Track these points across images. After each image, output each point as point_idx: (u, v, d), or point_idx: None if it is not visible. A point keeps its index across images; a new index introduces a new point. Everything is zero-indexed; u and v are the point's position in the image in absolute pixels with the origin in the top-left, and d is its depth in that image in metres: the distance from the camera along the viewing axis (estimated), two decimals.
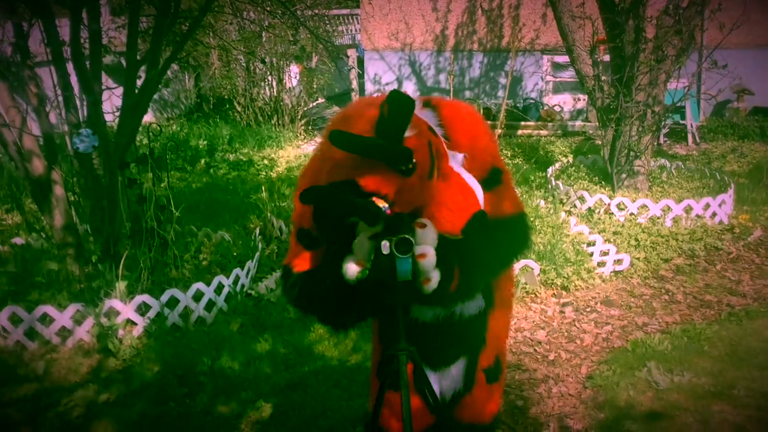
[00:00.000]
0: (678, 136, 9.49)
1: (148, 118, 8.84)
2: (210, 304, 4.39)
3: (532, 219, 5.47)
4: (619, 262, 5.08)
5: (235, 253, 5.06)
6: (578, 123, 10.27)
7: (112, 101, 5.01)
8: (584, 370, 3.74)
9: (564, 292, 4.77)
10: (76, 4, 4.25)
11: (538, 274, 4.79)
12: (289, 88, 10.59)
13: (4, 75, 4.36)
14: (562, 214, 5.77)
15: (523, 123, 10.15)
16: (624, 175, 6.41)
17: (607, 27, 6.38)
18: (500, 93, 11.07)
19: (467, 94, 11.28)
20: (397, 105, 1.67)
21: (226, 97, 10.76)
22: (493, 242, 2.01)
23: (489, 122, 9.83)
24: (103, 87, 4.48)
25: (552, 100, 10.84)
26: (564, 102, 10.76)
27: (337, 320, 2.06)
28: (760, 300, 4.57)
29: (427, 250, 1.81)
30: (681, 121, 9.41)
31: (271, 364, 3.79)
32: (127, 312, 4.13)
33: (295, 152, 9.09)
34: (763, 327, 4.12)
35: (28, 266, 4.75)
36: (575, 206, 6.17)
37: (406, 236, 1.74)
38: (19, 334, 4.06)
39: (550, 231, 5.32)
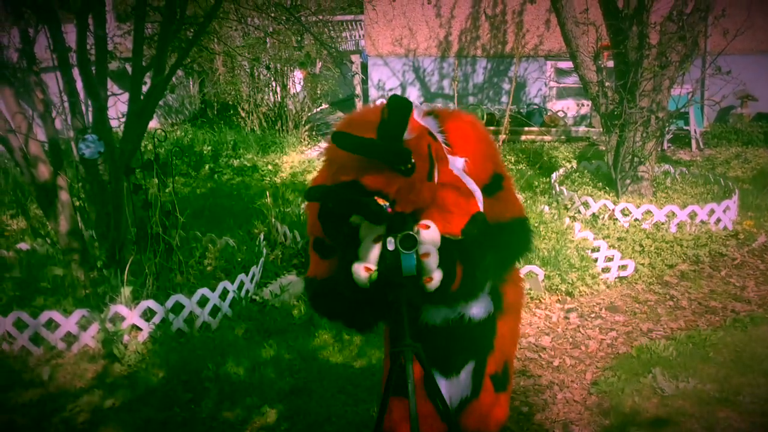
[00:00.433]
0: (682, 141, 9.49)
1: (153, 123, 8.87)
2: (215, 310, 4.40)
3: (536, 225, 5.47)
4: (623, 267, 5.08)
5: (239, 259, 5.06)
6: (582, 128, 10.27)
7: (117, 107, 5.03)
8: (589, 377, 3.74)
9: (568, 298, 4.77)
10: (83, 10, 4.28)
11: (543, 280, 4.79)
12: (293, 93, 10.61)
13: (11, 81, 4.38)
14: (567, 220, 5.77)
15: (526, 129, 10.15)
16: (628, 181, 6.41)
17: (610, 33, 6.40)
18: (504, 99, 11.09)
19: (471, 99, 11.29)
20: (396, 107, 1.76)
21: (230, 102, 10.79)
22: (494, 243, 2.07)
23: (492, 128, 9.87)
24: (109, 93, 4.50)
25: (555, 105, 10.85)
26: (567, 107, 10.77)
27: (360, 322, 2.15)
28: (765, 306, 4.56)
29: (430, 249, 1.89)
30: (685, 127, 9.40)
31: (276, 370, 3.80)
32: (133, 317, 4.14)
33: (299, 158, 9.11)
34: None
35: (34, 272, 4.76)
36: (579, 212, 6.17)
37: (411, 232, 1.83)
38: (24, 339, 4.07)
39: (554, 237, 5.32)
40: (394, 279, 1.87)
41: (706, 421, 3.22)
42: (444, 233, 1.95)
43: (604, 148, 6.85)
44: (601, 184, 6.78)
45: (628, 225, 5.84)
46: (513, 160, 8.67)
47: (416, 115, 1.98)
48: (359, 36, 14.14)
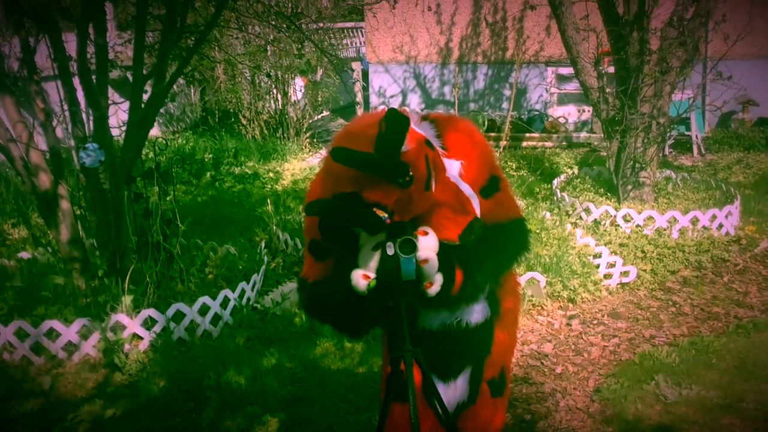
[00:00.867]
0: (683, 147, 9.49)
1: (154, 132, 8.88)
2: (216, 318, 4.39)
3: (537, 231, 5.46)
4: (625, 274, 5.07)
5: (240, 267, 5.06)
6: (583, 134, 10.27)
7: (118, 116, 5.04)
8: (592, 384, 3.72)
9: (571, 305, 4.76)
10: (83, 19, 4.28)
11: (545, 287, 4.77)
12: (294, 101, 10.62)
13: (11, 90, 4.39)
14: (568, 226, 5.76)
15: (527, 135, 10.15)
16: (629, 187, 6.40)
17: (611, 39, 6.40)
18: (505, 105, 11.09)
19: (472, 106, 11.30)
20: (393, 123, 1.78)
21: (231, 110, 10.80)
22: (492, 246, 2.10)
23: (494, 134, 9.87)
24: (110, 101, 4.50)
25: (556, 111, 10.85)
26: (568, 113, 10.77)
27: (351, 328, 2.16)
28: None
29: (429, 255, 1.93)
30: (686, 133, 9.40)
31: (278, 378, 3.78)
32: (133, 326, 4.13)
33: (300, 165, 9.11)
34: None
35: (35, 281, 4.76)
36: (581, 218, 6.16)
37: (409, 237, 1.87)
38: (25, 348, 4.06)
39: (556, 243, 5.31)
40: (394, 284, 1.91)
41: (709, 429, 3.20)
42: (442, 239, 1.98)
43: (605, 154, 6.85)
44: (602, 190, 6.78)
45: (629, 231, 5.82)
46: (514, 167, 8.67)
47: (413, 121, 2.00)
48: (360, 43, 14.17)
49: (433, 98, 11.53)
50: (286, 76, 10.31)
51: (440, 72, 11.46)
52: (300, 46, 6.90)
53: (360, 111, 11.44)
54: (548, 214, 6.06)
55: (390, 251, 1.88)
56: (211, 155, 9.10)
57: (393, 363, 2.04)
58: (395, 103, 11.63)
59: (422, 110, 11.37)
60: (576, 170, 7.87)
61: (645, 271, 5.18)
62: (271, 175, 8.53)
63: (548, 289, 4.80)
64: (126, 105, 4.53)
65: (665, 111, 6.33)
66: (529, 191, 7.10)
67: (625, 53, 6.18)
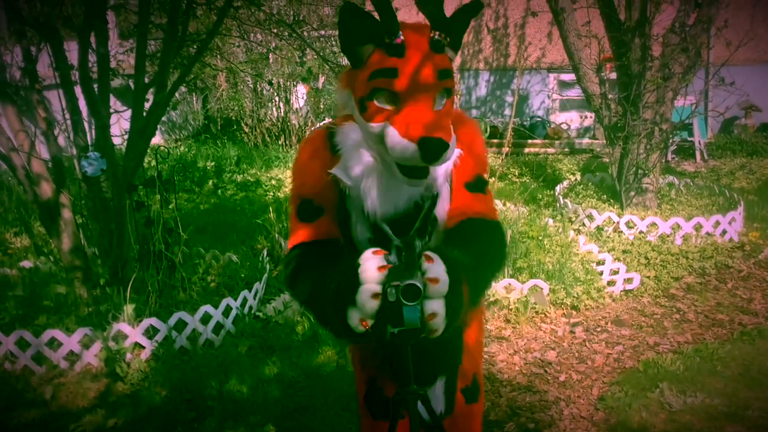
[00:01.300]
0: (686, 153, 9.47)
1: (155, 140, 8.88)
2: (218, 327, 4.38)
3: (540, 238, 5.44)
4: (629, 281, 5.05)
5: (242, 275, 5.04)
6: (585, 140, 10.26)
7: (120, 124, 5.04)
8: (596, 392, 3.70)
9: (574, 312, 4.73)
10: (85, 28, 4.29)
11: (548, 294, 4.75)
12: (296, 108, 10.63)
13: (13, 99, 4.39)
14: (571, 233, 5.74)
15: (530, 141, 10.14)
16: (632, 193, 6.39)
17: (613, 45, 6.39)
18: (507, 111, 11.09)
19: (474, 112, 11.30)
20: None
21: (233, 118, 10.82)
22: (486, 250, 1.96)
23: (496, 140, 9.86)
24: (112, 110, 4.50)
25: (559, 117, 10.84)
26: (571, 120, 10.76)
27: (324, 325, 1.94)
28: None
29: (437, 308, 1.67)
30: (689, 138, 9.38)
31: (280, 387, 3.77)
32: (135, 335, 4.11)
33: None
34: None
35: (36, 290, 4.75)
36: (584, 224, 6.14)
37: (415, 282, 1.63)
38: (26, 358, 4.05)
39: (559, 250, 5.29)
40: (396, 332, 1.69)
41: None
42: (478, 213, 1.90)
43: (607, 160, 6.83)
44: (605, 196, 6.76)
45: (633, 237, 5.81)
46: (517, 173, 8.66)
47: None
48: None
49: None
50: (288, 83, 10.32)
51: None
52: (301, 54, 6.90)
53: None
54: (551, 221, 6.05)
55: (391, 297, 1.63)
56: (213, 163, 9.11)
57: (395, 404, 1.81)
58: None
59: None
60: (578, 176, 7.85)
61: (648, 277, 5.16)
62: (273, 182, 8.53)
63: (551, 296, 4.78)
64: (128, 113, 4.53)
65: (668, 117, 6.32)
66: (532, 198, 7.09)
67: (627, 59, 6.17)
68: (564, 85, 10.83)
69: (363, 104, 1.79)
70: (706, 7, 6.02)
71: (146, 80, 4.53)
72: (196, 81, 9.68)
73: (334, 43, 12.21)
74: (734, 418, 3.32)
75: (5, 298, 4.68)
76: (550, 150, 10.05)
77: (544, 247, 5.32)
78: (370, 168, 1.83)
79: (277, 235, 5.76)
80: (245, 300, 4.62)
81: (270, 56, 9.90)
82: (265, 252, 5.44)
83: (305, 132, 10.38)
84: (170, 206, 4.84)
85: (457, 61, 11.25)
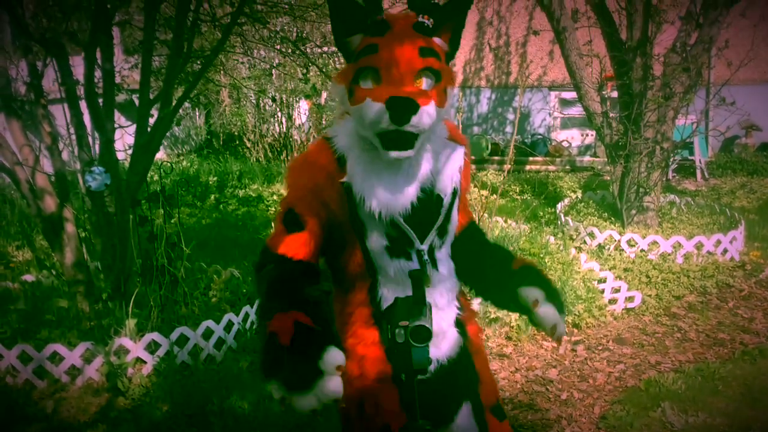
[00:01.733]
0: (687, 171, 9.49)
1: (159, 155, 8.91)
2: (219, 342, 4.38)
3: (541, 255, 5.45)
4: (630, 299, 5.05)
5: (244, 290, 5.05)
6: (586, 158, 10.29)
7: (124, 139, 5.07)
8: (597, 410, 3.69)
9: (575, 330, 4.74)
10: (91, 44, 4.32)
11: None
12: (299, 124, 10.67)
13: (18, 113, 4.42)
14: (572, 251, 5.75)
15: (531, 158, 10.17)
16: (634, 212, 6.40)
17: (614, 65, 6.43)
18: (508, 128, 11.13)
19: (476, 129, 11.34)
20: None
21: (235, 133, 10.86)
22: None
23: (497, 157, 9.89)
24: (116, 125, 4.53)
25: (560, 135, 10.88)
26: (572, 137, 10.80)
27: None
28: None
29: (562, 331, 1.84)
30: (689, 157, 9.41)
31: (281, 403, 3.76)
32: (137, 350, 4.12)
33: None
34: None
35: (39, 304, 4.75)
36: (585, 242, 6.15)
37: (424, 324, 1.60)
38: (28, 372, 4.05)
39: (560, 268, 5.30)
40: (406, 374, 1.66)
41: None
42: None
43: (609, 179, 6.85)
44: (606, 214, 6.78)
45: (634, 256, 5.82)
46: (518, 190, 8.68)
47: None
48: None
49: None
50: (291, 99, 10.37)
51: None
52: (305, 70, 6.94)
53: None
54: (552, 239, 6.06)
55: (400, 339, 1.60)
56: (215, 178, 9.13)
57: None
58: None
59: None
60: (580, 194, 7.87)
61: (650, 296, 5.16)
62: (275, 197, 8.55)
63: None
64: (132, 128, 4.56)
65: (669, 136, 6.35)
66: (533, 215, 7.10)
67: (628, 78, 6.21)
68: (565, 103, 10.87)
69: (351, 89, 1.81)
70: (707, 28, 6.06)
71: (151, 96, 4.56)
72: (199, 96, 9.73)
73: (338, 59, 12.29)
74: None
75: (7, 311, 4.68)
76: (551, 167, 10.07)
77: (545, 265, 5.33)
78: (370, 163, 1.82)
79: None
80: (247, 315, 4.62)
81: (273, 72, 9.96)
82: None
83: (307, 147, 10.42)
84: (173, 221, 4.85)
85: (459, 78, 11.31)
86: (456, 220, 1.99)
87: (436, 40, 1.86)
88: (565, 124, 11.00)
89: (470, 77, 11.31)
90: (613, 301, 5.02)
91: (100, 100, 4.43)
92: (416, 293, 1.64)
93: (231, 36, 5.58)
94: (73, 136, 4.52)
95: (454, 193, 1.94)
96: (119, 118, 4.75)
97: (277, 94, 10.23)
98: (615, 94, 6.94)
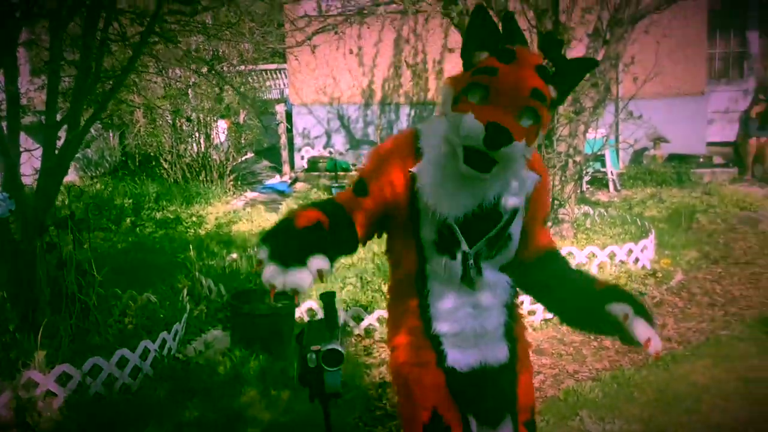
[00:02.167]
0: (600, 183, 9.80)
1: (70, 177, 8.61)
2: (135, 371, 4.24)
3: None
4: None
5: (161, 316, 4.91)
6: None
7: (31, 163, 4.86)
8: None
9: None
10: None
11: None
12: (217, 144, 10.51)
13: None
14: None
15: None
16: (549, 224, 6.55)
17: None
18: None
19: None
20: None
21: (152, 154, 10.59)
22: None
23: None
24: (22, 149, 4.35)
25: None
26: None
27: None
28: (685, 343, 4.69)
29: (658, 345, 1.96)
30: (602, 169, 9.73)
31: None
32: (47, 383, 3.93)
33: (224, 208, 8.98)
34: (689, 371, 4.22)
35: None
36: None
37: (336, 347, 1.62)
38: None
39: None
40: (317, 396, 1.68)
41: None
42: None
43: None
44: None
45: None
46: None
47: None
48: (283, 84, 14.18)
49: (357, 138, 11.61)
50: (209, 118, 10.21)
51: (364, 113, 11.57)
52: (220, 90, 6.85)
53: (284, 153, 11.40)
54: None
55: (312, 363, 1.60)
56: (131, 200, 8.88)
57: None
58: (320, 144, 11.67)
59: (347, 150, 11.44)
60: None
61: None
62: (194, 219, 8.38)
63: None
64: (39, 152, 4.39)
65: (580, 149, 6.54)
66: None
67: None
68: None
69: (458, 97, 1.92)
70: (613, 44, 6.29)
71: (58, 118, 4.40)
72: (112, 117, 9.46)
73: (254, 77, 12.19)
74: None
75: None
76: None
77: None
78: (444, 166, 1.94)
79: (197, 274, 5.65)
80: (164, 342, 4.49)
81: (189, 91, 9.79)
82: (185, 291, 5.32)
83: (227, 167, 10.25)
84: (84, 246, 4.69)
85: (378, 95, 11.39)
86: (516, 240, 2.07)
87: (550, 87, 1.96)
88: None
89: (389, 94, 11.41)
90: (531, 313, 5.11)
91: (4, 124, 4.25)
92: (328, 316, 1.63)
93: (143, 55, 5.45)
94: None
95: (514, 212, 2.03)
96: (26, 141, 4.57)
97: (194, 113, 10.06)
98: None
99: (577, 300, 2.08)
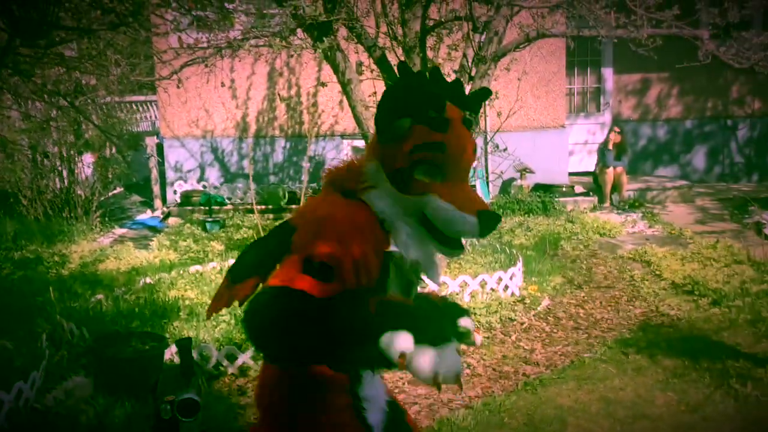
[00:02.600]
0: None
1: None
2: None
3: None
4: None
5: (18, 364, 4.60)
6: None
7: None
8: None
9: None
10: None
11: None
12: (83, 178, 10.05)
13: None
14: None
15: None
16: None
17: None
18: (304, 177, 11.23)
19: (272, 178, 11.34)
20: None
21: (9, 190, 9.98)
22: None
23: (295, 206, 9.93)
24: None
25: None
26: None
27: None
28: (552, 367, 4.87)
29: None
30: None
31: None
32: None
33: (89, 246, 8.57)
34: (555, 394, 4.38)
35: None
36: None
37: (192, 396, 1.54)
38: None
39: None
40: None
41: None
42: None
43: None
44: None
45: None
46: None
47: None
48: (154, 116, 13.80)
49: (231, 171, 11.44)
50: (72, 152, 9.76)
51: (238, 146, 11.43)
52: (77, 125, 6.56)
53: (156, 188, 11.06)
54: None
55: (165, 415, 1.51)
56: None
57: None
58: (193, 178, 11.40)
59: (221, 184, 11.24)
60: None
61: None
62: (56, 258, 7.94)
63: None
64: None
65: None
66: None
67: None
68: (358, 150, 11.19)
69: (401, 176, 1.85)
70: (478, 80, 6.53)
71: None
72: None
73: (122, 109, 11.79)
74: None
75: None
76: None
77: None
78: (416, 237, 1.91)
79: (58, 316, 5.34)
80: (21, 392, 4.20)
81: (51, 124, 9.32)
82: (44, 336, 5.02)
83: (93, 203, 9.81)
84: None
85: (253, 128, 11.30)
86: None
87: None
88: None
89: (264, 127, 11.34)
90: None
91: None
92: (184, 363, 1.56)
93: None
94: None
95: None
96: None
97: (56, 147, 9.58)
98: None
99: None
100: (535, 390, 4.46)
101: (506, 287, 6.20)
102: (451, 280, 6.09)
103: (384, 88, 6.70)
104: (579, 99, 12.57)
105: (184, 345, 1.57)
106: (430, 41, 6.52)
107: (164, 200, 11.27)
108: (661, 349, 5.09)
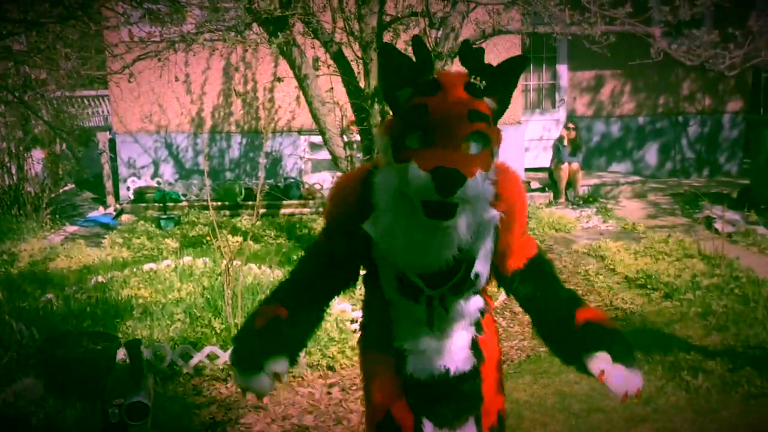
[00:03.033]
0: None
1: None
2: None
3: None
4: None
5: None
6: None
7: None
8: None
9: (330, 372, 4.78)
10: None
11: (304, 356, 4.76)
12: (32, 175, 9.81)
13: None
14: None
15: (285, 202, 10.27)
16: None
17: (355, 111, 6.71)
18: (261, 173, 11.14)
19: (228, 175, 11.22)
20: None
21: None
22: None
23: (251, 202, 9.85)
24: None
25: (312, 178, 11.11)
26: (324, 180, 11.06)
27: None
28: (509, 362, 4.91)
29: (637, 383, 2.06)
30: None
31: None
32: None
33: (39, 244, 8.36)
34: (512, 388, 4.40)
35: None
36: None
37: (141, 400, 1.52)
38: None
39: None
40: None
41: None
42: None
43: None
44: None
45: None
46: (273, 234, 8.68)
47: None
48: (106, 111, 13.54)
49: (187, 168, 11.29)
50: (21, 148, 9.53)
51: (193, 141, 11.28)
52: (25, 121, 6.41)
53: (108, 184, 10.86)
54: None
55: (114, 419, 1.50)
56: None
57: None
58: (147, 174, 11.23)
59: (176, 180, 11.08)
60: None
61: None
62: (4, 257, 7.74)
63: (307, 358, 4.79)
64: None
65: None
66: (287, 259, 7.12)
67: (368, 123, 6.50)
68: (315, 146, 11.14)
69: (396, 146, 1.82)
70: None
71: None
72: None
73: (72, 103, 11.55)
74: None
75: None
76: (305, 210, 10.23)
77: None
78: (401, 217, 1.85)
79: (7, 317, 5.20)
80: None
81: None
82: None
83: (43, 200, 9.58)
84: None
85: (208, 123, 11.16)
86: (484, 277, 2.09)
87: (487, 100, 1.85)
88: (316, 167, 11.25)
89: (220, 123, 11.21)
90: None
91: None
92: (134, 365, 1.52)
93: None
94: None
95: (473, 258, 2.00)
96: None
97: (3, 143, 9.34)
98: (359, 137, 7.24)
99: (556, 334, 2.13)
100: None
101: None
102: None
103: (340, 84, 6.70)
104: (535, 95, 12.71)
105: (133, 346, 1.53)
106: (387, 37, 6.51)
107: (117, 197, 11.07)
108: None
